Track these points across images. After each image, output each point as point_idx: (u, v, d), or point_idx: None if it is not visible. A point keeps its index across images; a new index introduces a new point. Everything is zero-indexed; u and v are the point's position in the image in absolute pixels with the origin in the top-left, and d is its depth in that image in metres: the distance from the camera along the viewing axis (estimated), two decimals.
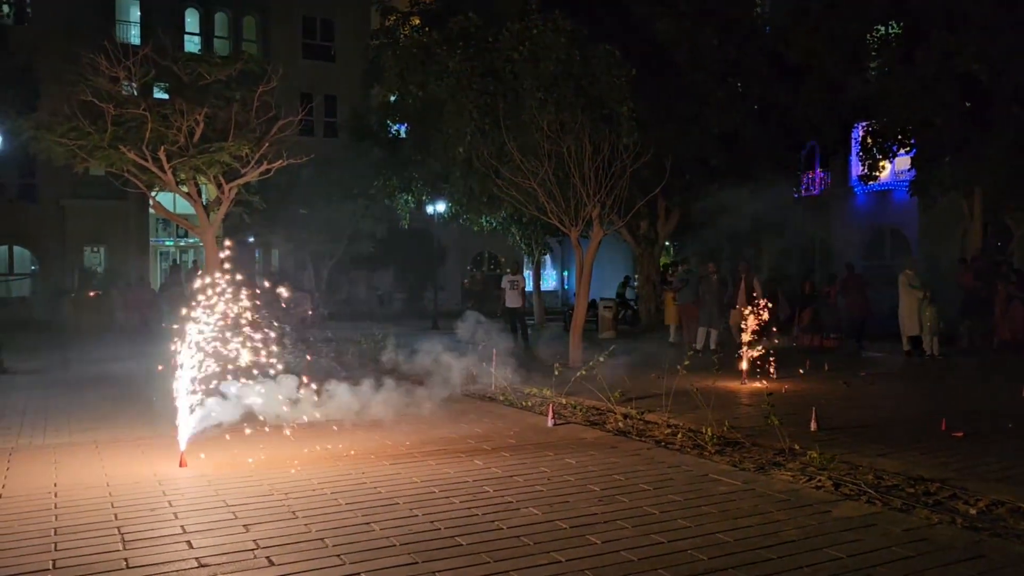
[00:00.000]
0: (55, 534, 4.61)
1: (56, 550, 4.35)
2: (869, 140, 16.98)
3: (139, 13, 30.89)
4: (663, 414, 8.18)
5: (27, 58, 23.83)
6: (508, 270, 18.76)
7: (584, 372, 9.49)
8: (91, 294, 25.00)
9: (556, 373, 9.59)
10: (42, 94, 21.93)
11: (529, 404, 9.23)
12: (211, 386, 6.45)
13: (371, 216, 27.26)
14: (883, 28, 16.21)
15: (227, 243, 6.76)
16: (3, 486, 5.73)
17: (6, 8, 26.93)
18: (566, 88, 14.02)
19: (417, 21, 19.00)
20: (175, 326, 6.27)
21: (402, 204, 20.70)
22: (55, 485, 5.71)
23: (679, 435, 7.28)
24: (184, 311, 6.23)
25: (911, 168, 16.94)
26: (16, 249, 30.01)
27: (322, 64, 33.30)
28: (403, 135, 20.48)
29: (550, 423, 7.91)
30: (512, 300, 16.99)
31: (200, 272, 6.29)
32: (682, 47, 15.90)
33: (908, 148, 16.48)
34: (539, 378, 10.50)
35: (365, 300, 31.15)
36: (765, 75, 16.57)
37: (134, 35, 29.75)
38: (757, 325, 10.78)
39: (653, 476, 5.83)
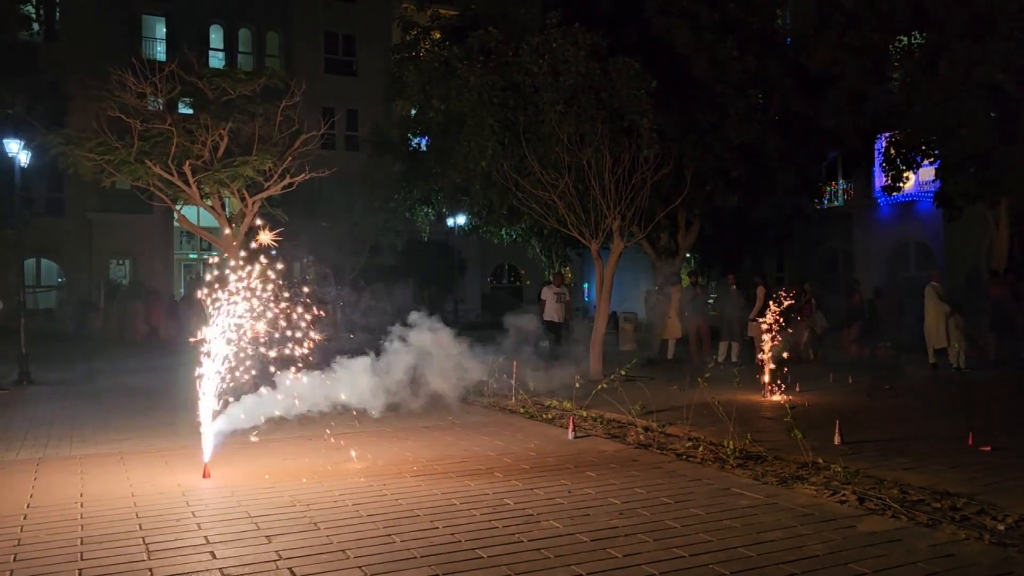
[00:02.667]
0: (81, 544, 4.67)
1: (82, 560, 4.40)
2: (892, 151, 16.83)
3: (165, 30, 31.42)
4: (684, 427, 8.14)
5: (56, 75, 24.29)
6: (550, 279, 17.24)
7: (605, 385, 9.46)
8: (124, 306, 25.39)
9: (576, 386, 9.58)
10: (70, 110, 22.35)
11: (549, 416, 9.22)
12: (236, 394, 6.52)
13: (391, 228, 27.43)
14: (906, 38, 16.09)
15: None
16: (31, 496, 5.81)
17: (36, 26, 27.49)
18: (586, 101, 14.05)
19: (438, 36, 19.14)
20: (192, 337, 6.32)
21: (422, 216, 20.80)
22: (81, 495, 5.79)
23: (700, 448, 7.23)
24: (203, 322, 6.28)
25: (935, 179, 16.76)
26: (44, 262, 30.49)
27: (344, 79, 33.64)
28: (424, 148, 20.60)
29: (570, 436, 7.89)
30: (553, 313, 15.51)
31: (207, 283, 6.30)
32: (702, 59, 15.87)
33: (932, 159, 16.32)
34: (559, 390, 10.48)
35: (386, 311, 31.28)
36: (786, 86, 16.50)
37: (160, 51, 30.24)
38: (774, 339, 10.72)
39: (674, 489, 5.80)
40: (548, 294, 15.73)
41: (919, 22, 15.20)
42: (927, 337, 14.12)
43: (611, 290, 13.67)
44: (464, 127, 15.19)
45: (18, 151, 14.50)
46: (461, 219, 23.21)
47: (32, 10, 27.25)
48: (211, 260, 6.30)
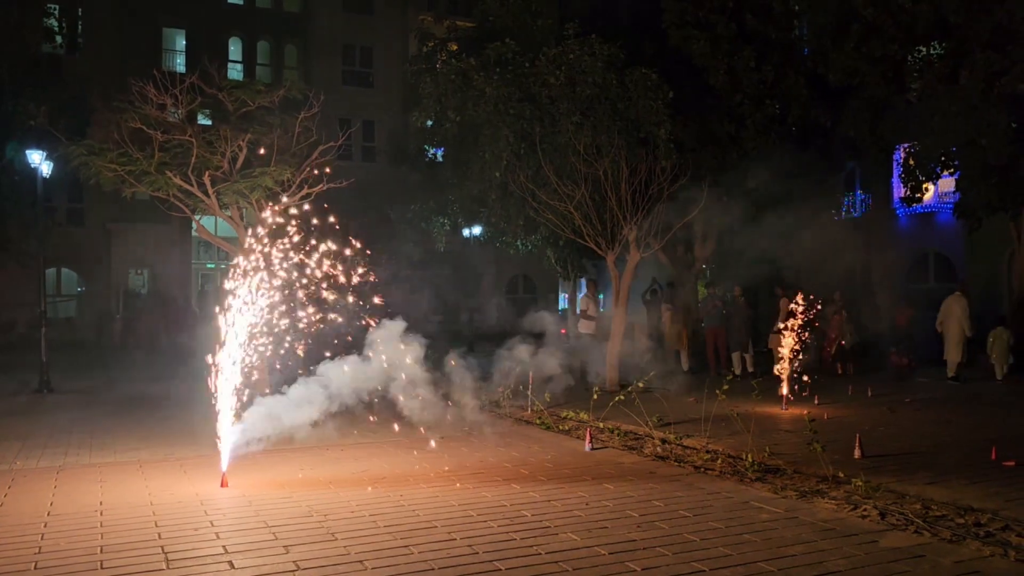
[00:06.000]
0: (101, 552, 4.69)
1: (102, 568, 4.42)
2: (912, 162, 16.70)
3: (184, 43, 31.77)
4: (702, 439, 8.09)
5: (78, 87, 24.58)
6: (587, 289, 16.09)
7: (622, 396, 9.42)
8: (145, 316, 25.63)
9: (594, 397, 9.54)
10: (92, 121, 22.59)
11: (566, 428, 9.19)
12: (250, 404, 6.55)
13: (407, 240, 27.50)
14: (925, 48, 15.99)
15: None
16: (52, 504, 5.85)
17: (59, 39, 27.86)
18: (603, 111, 14.07)
19: (455, 47, 19.24)
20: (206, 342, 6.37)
21: (438, 227, 20.86)
22: (101, 503, 5.82)
23: (719, 461, 7.18)
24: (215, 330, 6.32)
25: (956, 190, 16.62)
26: (64, 271, 30.80)
27: (361, 90, 33.83)
28: (440, 159, 20.69)
29: (587, 447, 7.86)
30: (589, 325, 14.46)
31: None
32: (719, 70, 15.87)
33: (952, 170, 16.18)
34: (576, 401, 10.45)
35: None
36: (804, 97, 16.46)
37: (180, 64, 30.56)
38: (793, 349, 10.65)
39: (693, 502, 5.75)
40: (587, 304, 14.62)
41: (939, 32, 15.09)
42: (947, 349, 13.99)
43: (627, 301, 13.62)
44: (480, 138, 15.24)
45: (40, 162, 14.70)
46: (477, 230, 23.24)
47: (55, 23, 27.61)
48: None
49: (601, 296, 37.62)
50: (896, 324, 16.75)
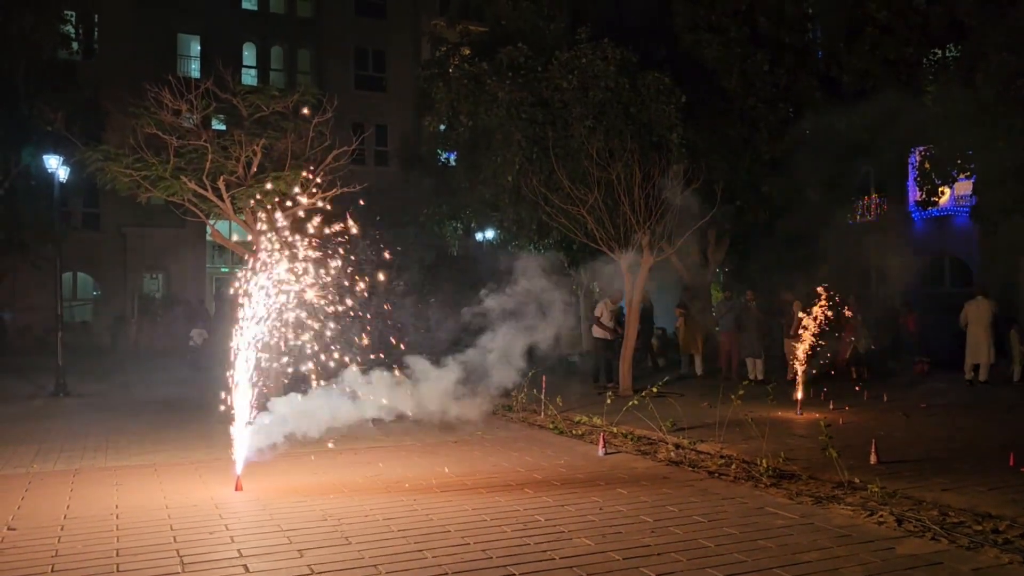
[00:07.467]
0: (117, 555, 4.72)
1: (118, 571, 4.45)
2: (927, 165, 16.60)
3: (199, 48, 32.00)
4: (716, 444, 8.06)
5: (94, 92, 24.78)
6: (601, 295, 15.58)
7: (636, 401, 9.40)
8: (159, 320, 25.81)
9: (608, 402, 9.52)
10: (107, 127, 22.77)
11: (579, 432, 9.17)
12: (266, 410, 6.58)
13: (420, 244, 27.56)
14: (940, 51, 15.90)
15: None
16: (68, 507, 5.89)
17: (75, 45, 28.10)
18: (615, 115, 14.06)
19: (467, 52, 19.29)
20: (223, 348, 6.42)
21: (451, 231, 20.88)
22: (117, 507, 5.86)
23: (733, 466, 7.14)
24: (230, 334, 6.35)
25: (972, 194, 16.51)
26: (80, 275, 31.04)
27: (374, 94, 33.95)
28: (453, 163, 20.73)
29: (600, 452, 7.84)
30: (602, 331, 14.07)
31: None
32: (732, 73, 15.85)
33: (968, 173, 16.06)
34: (588, 406, 10.43)
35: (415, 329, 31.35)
36: (818, 100, 16.40)
37: (194, 69, 30.79)
38: (806, 355, 10.60)
39: (707, 508, 5.72)
40: (603, 310, 14.22)
41: (954, 34, 15.01)
42: (969, 352, 13.90)
43: (640, 305, 13.60)
44: (492, 142, 15.28)
45: (57, 167, 14.83)
46: (490, 234, 23.26)
47: (71, 29, 27.85)
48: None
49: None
50: (908, 329, 16.65)
